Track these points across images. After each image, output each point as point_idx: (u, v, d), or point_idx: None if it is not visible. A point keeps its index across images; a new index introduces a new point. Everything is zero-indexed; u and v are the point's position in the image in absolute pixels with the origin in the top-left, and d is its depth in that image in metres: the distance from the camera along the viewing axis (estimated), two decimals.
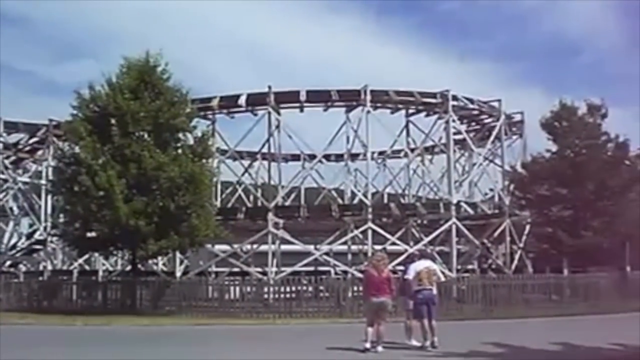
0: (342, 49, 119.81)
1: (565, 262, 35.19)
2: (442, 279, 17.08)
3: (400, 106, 40.19)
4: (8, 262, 41.89)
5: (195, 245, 30.22)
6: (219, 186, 42.95)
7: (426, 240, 38.11)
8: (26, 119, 42.46)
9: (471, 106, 40.14)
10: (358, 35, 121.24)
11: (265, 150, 40.78)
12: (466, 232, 37.74)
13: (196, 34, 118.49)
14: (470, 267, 40.20)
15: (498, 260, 40.36)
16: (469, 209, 38.90)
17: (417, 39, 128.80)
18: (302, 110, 38.99)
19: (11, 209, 45.28)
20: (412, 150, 42.56)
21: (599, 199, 33.91)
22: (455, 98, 38.48)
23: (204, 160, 30.39)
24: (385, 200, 44.55)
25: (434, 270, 16.44)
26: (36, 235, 42.55)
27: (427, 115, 40.62)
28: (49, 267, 40.44)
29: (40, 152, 43.36)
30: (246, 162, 45.14)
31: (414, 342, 15.95)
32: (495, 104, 40.86)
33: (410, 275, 16.41)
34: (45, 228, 40.79)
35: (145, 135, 28.80)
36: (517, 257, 38.96)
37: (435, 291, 16.08)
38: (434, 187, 44.98)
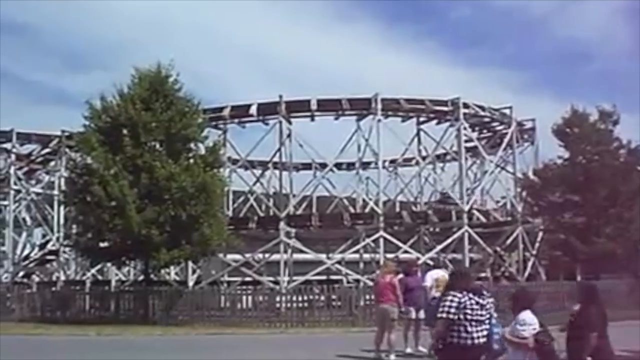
0: (352, 58, 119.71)
1: (578, 269, 35.02)
2: None
3: (411, 114, 40.16)
4: (21, 273, 42.08)
5: (207, 254, 30.33)
6: (230, 195, 42.96)
7: (438, 248, 38.06)
8: (38, 129, 42.70)
9: (482, 113, 40.07)
10: (368, 43, 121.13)
11: (276, 159, 40.80)
12: (478, 239, 37.64)
13: (207, 44, 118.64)
14: (482, 275, 40.02)
15: (511, 268, 40.23)
16: (481, 217, 38.83)
17: (427, 47, 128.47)
18: (313, 119, 39.03)
19: (24, 219, 45.48)
20: (424, 158, 42.52)
21: (611, 205, 33.72)
22: (466, 105, 38.42)
23: (215, 170, 30.47)
24: (397, 209, 44.50)
25: (447, 279, 16.37)
26: (49, 246, 42.70)
27: (439, 123, 40.59)
28: (62, 278, 40.55)
29: (52, 163, 43.53)
30: (258, 172, 45.17)
31: (421, 348, 15.91)
32: (507, 111, 40.79)
33: (427, 283, 16.40)
34: (58, 238, 40.93)
35: (157, 145, 28.94)
36: (529, 264, 38.79)
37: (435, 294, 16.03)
38: (445, 195, 44.88)
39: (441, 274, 16.26)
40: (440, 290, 15.73)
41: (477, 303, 8.13)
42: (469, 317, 8.05)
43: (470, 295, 8.17)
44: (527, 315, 8.51)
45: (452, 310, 8.07)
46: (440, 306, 8.37)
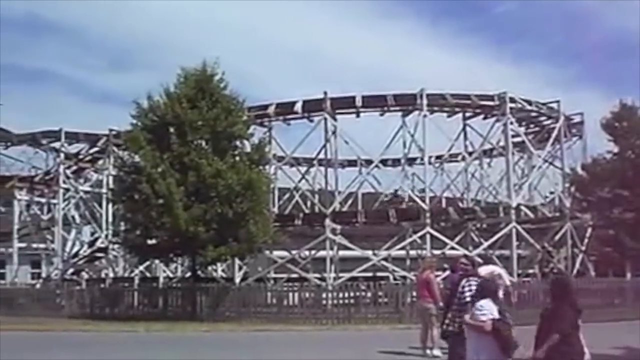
0: (397, 54, 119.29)
1: (628, 265, 34.49)
2: (508, 283, 16.82)
3: (457, 109, 39.86)
4: (71, 270, 42.59)
5: (254, 251, 30.45)
6: (276, 193, 43.10)
7: (486, 244, 37.74)
8: (86, 129, 43.25)
9: (529, 108, 39.57)
10: (413, 40, 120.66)
11: (321, 156, 40.79)
12: (526, 235, 37.23)
13: (251, 43, 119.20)
14: (531, 271, 39.63)
15: (559, 265, 39.72)
16: (529, 213, 38.40)
17: (471, 43, 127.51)
18: (358, 116, 38.89)
19: (73, 217, 46.08)
20: (470, 153, 42.19)
21: None
22: (513, 100, 37.97)
23: (261, 167, 30.66)
24: (444, 205, 44.18)
25: (499, 274, 16.16)
26: (98, 243, 43.18)
27: (485, 118, 40.19)
28: (111, 275, 40.98)
29: (100, 162, 44.00)
30: (303, 168, 45.24)
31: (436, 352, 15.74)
32: (554, 105, 40.22)
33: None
34: (106, 236, 41.37)
35: (203, 143, 29.16)
36: (578, 260, 38.25)
37: (501, 296, 15.79)
38: (493, 191, 44.50)
39: (489, 271, 16.08)
40: None
41: None
42: None
43: None
44: (486, 303, 8.88)
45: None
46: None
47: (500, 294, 15.71)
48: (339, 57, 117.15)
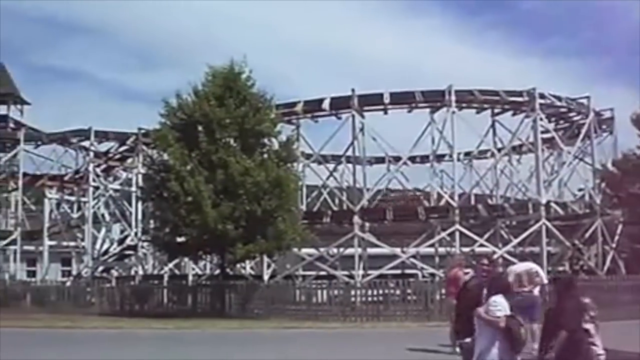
0: (424, 51, 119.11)
1: None
2: (545, 280, 16.66)
3: (485, 105, 39.55)
4: (101, 268, 42.92)
5: (282, 249, 30.48)
6: (304, 190, 43.06)
7: (515, 241, 37.47)
8: (114, 127, 43.52)
9: (559, 104, 39.20)
10: (440, 36, 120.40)
11: (349, 153, 40.71)
12: (556, 232, 36.90)
13: (279, 40, 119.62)
14: (561, 268, 39.24)
15: (590, 262, 39.34)
16: (558, 209, 38.04)
17: (499, 38, 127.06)
18: (386, 113, 38.74)
19: (103, 215, 46.41)
20: (499, 150, 41.88)
21: None
22: (542, 96, 37.64)
23: (289, 165, 30.68)
24: (473, 202, 43.91)
25: (537, 271, 15.99)
26: (127, 241, 43.43)
27: (514, 114, 39.86)
28: (140, 272, 41.22)
29: (130, 160, 44.26)
30: (331, 166, 45.16)
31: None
32: (584, 100, 39.81)
33: (510, 278, 16.10)
34: (136, 234, 41.64)
35: (232, 141, 29.23)
36: (609, 258, 37.87)
37: (537, 293, 15.64)
38: (522, 188, 44.18)
39: (525, 268, 15.94)
40: (523, 286, 15.43)
41: None
42: None
43: None
44: (499, 299, 8.80)
45: None
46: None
47: (537, 291, 15.60)
48: (366, 54, 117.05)
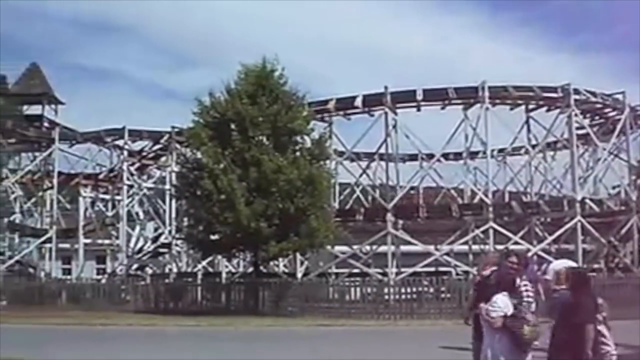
0: (456, 47, 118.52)
1: None
2: None
3: (519, 102, 39.20)
4: (135, 265, 43.22)
5: (315, 246, 30.46)
6: (336, 188, 43.01)
7: (550, 239, 37.14)
8: (147, 126, 43.75)
9: (594, 99, 38.76)
10: (472, 32, 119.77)
11: (382, 150, 40.61)
12: (592, 230, 36.53)
13: (312, 38, 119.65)
14: (596, 266, 38.82)
15: (625, 259, 38.88)
16: (594, 206, 37.65)
17: (532, 33, 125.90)
18: (419, 110, 38.57)
19: (137, 213, 46.76)
20: (534, 146, 41.53)
21: None
22: (577, 91, 37.25)
23: (321, 162, 30.66)
24: (507, 199, 43.57)
25: None
26: (161, 239, 43.70)
27: (548, 110, 39.47)
28: (174, 270, 41.48)
29: (163, 159, 44.53)
30: (363, 163, 45.04)
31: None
32: (619, 96, 39.34)
33: (549, 276, 15.92)
34: (170, 231, 41.89)
35: (264, 139, 29.27)
36: None
37: None
38: (557, 184, 43.79)
39: (564, 266, 15.73)
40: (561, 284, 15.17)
41: None
42: None
43: None
44: (500, 298, 8.75)
45: None
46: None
47: None
48: (398, 52, 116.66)
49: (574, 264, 16.03)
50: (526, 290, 9.96)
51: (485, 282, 10.60)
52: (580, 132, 39.40)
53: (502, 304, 8.68)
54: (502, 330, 8.56)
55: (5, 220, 41.38)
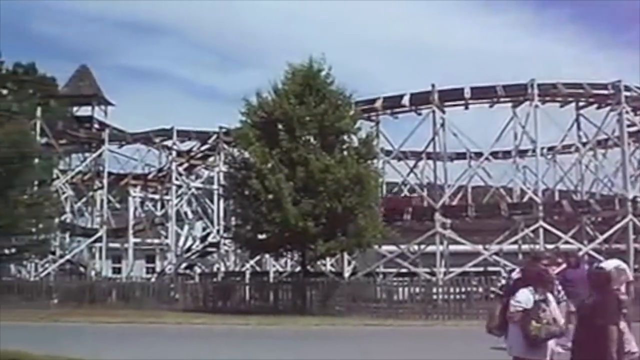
0: (505, 44, 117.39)
1: None
2: (631, 278, 16.12)
3: (569, 99, 38.67)
4: (184, 264, 43.59)
5: (363, 246, 30.37)
6: (384, 187, 42.85)
7: (601, 238, 36.54)
8: (195, 126, 44.04)
9: None
10: (521, 28, 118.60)
11: (430, 149, 40.38)
12: None
13: (357, 37, 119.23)
14: None
15: None
16: None
17: (580, 30, 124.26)
18: (467, 108, 38.28)
19: (186, 213, 47.13)
20: (584, 144, 40.93)
21: None
22: (628, 88, 36.60)
23: (369, 162, 30.59)
24: (557, 198, 43.00)
25: (624, 269, 15.54)
26: (210, 238, 43.98)
27: (599, 108, 38.85)
28: (222, 269, 41.70)
29: (211, 159, 44.80)
30: (411, 162, 44.82)
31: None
32: None
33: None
34: (218, 231, 42.13)
35: (311, 139, 29.32)
36: None
37: (623, 290, 15.18)
38: (608, 183, 43.08)
39: (614, 265, 15.47)
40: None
41: None
42: None
43: None
44: (521, 293, 8.77)
45: None
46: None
47: (623, 288, 15.11)
48: (445, 50, 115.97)
49: (623, 265, 15.78)
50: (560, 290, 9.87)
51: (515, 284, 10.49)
52: (632, 129, 38.73)
53: (523, 298, 8.70)
54: (520, 327, 8.62)
55: (57, 220, 41.93)
